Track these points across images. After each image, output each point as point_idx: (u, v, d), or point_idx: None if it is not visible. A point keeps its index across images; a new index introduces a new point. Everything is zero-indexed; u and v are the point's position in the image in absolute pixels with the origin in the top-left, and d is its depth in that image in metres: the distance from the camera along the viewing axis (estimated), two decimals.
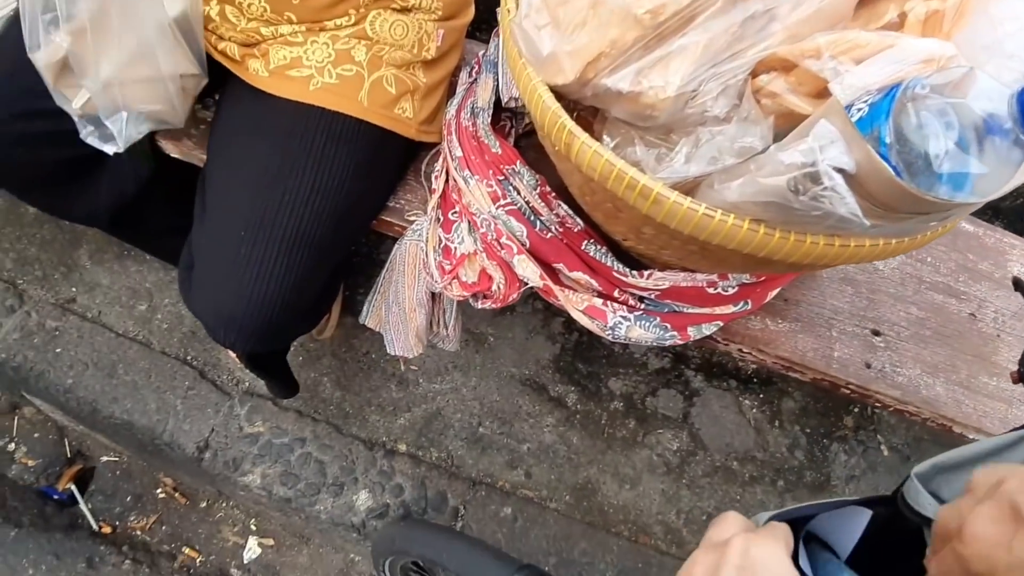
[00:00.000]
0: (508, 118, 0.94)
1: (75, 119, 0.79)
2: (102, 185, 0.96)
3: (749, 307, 0.87)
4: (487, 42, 0.97)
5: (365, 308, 1.04)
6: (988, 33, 0.59)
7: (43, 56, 0.72)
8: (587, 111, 0.72)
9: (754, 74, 0.61)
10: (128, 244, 1.29)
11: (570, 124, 0.60)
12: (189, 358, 1.39)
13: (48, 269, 1.44)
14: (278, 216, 0.81)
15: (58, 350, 1.36)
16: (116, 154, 0.81)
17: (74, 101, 0.77)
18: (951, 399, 0.96)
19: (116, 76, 0.73)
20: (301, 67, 0.83)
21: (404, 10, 0.86)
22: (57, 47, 0.70)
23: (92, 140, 0.78)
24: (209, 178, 0.88)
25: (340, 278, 1.24)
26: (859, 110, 0.55)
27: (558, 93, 0.63)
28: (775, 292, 0.90)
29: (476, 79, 0.93)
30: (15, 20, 0.90)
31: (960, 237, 1.09)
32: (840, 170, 0.51)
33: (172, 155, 0.97)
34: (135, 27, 0.70)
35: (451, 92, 0.96)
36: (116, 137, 0.78)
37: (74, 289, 1.43)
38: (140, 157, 0.95)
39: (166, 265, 1.43)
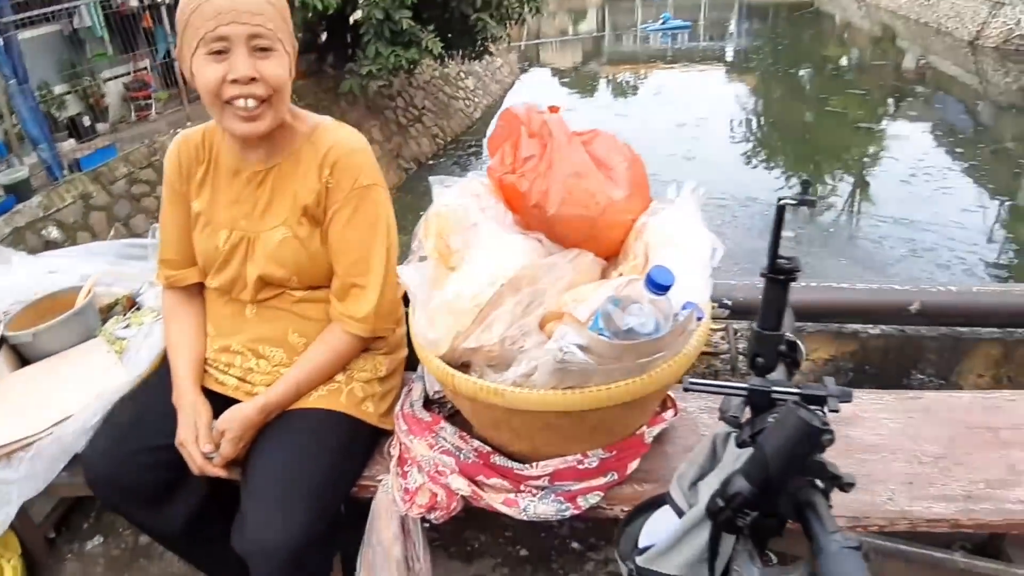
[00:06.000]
0: (435, 409, 1.44)
1: None
2: (178, 500, 1.37)
3: (616, 478, 1.27)
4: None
5: (358, 563, 1.37)
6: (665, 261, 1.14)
7: None
8: (464, 367, 1.23)
9: (543, 322, 1.15)
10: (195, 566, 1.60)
11: (453, 371, 1.11)
12: None
13: None
14: (299, 478, 1.24)
15: None
16: (189, 477, 1.27)
17: None
18: None
19: None
20: None
21: (365, 350, 1.42)
22: None
23: None
24: (251, 462, 1.29)
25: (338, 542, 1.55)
26: (592, 318, 1.08)
27: (447, 360, 1.15)
28: (634, 465, 1.30)
29: (411, 388, 1.45)
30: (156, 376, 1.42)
31: None
32: (579, 345, 1.02)
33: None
34: None
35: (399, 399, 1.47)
36: None
37: None
38: (201, 479, 1.36)
39: None
